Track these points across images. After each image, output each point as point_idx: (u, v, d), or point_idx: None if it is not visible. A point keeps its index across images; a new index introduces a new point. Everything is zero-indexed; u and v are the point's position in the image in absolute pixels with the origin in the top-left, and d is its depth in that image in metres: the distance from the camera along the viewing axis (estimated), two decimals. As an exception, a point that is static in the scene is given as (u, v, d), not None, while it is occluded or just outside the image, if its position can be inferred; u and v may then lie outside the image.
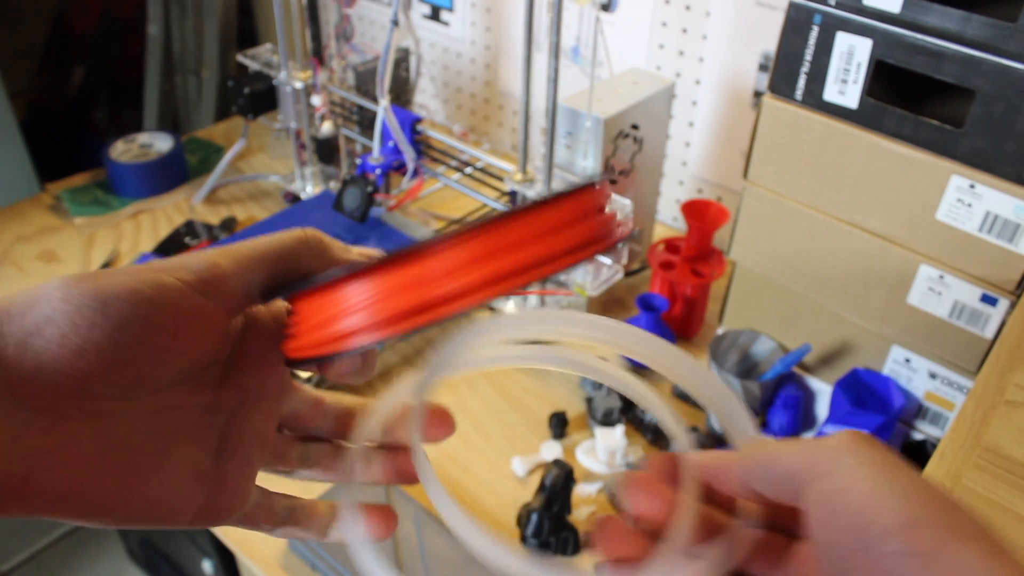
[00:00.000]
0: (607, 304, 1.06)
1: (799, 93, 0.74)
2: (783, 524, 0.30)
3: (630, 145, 0.96)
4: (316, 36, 1.14)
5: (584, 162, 0.94)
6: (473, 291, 0.25)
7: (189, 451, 0.28)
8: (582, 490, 0.83)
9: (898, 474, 0.24)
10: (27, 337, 0.24)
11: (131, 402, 0.26)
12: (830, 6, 0.69)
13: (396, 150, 1.05)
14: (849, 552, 0.23)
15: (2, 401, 0.23)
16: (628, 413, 0.90)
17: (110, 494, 0.26)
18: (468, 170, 1.02)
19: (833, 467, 0.25)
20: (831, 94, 0.72)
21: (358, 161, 1.08)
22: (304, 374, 0.31)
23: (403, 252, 0.25)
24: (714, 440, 0.85)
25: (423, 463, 0.28)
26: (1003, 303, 0.69)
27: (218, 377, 0.30)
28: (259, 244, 0.29)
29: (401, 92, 1.24)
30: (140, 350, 0.25)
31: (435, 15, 1.34)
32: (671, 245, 1.01)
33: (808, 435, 0.89)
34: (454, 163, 1.03)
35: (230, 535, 0.80)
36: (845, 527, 0.23)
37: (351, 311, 0.26)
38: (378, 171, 1.05)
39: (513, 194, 0.94)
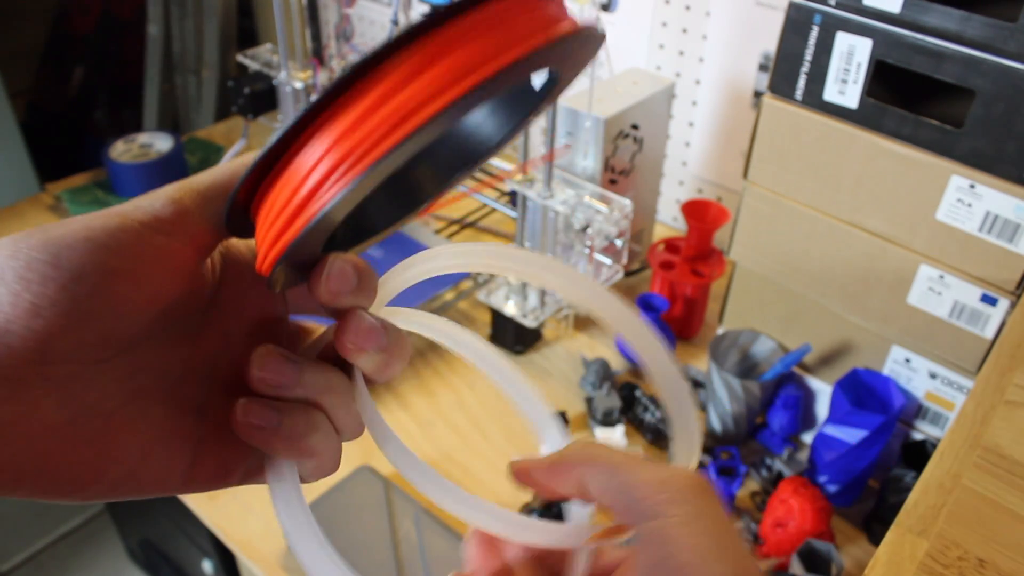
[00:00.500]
0: (607, 304, 1.06)
1: (799, 93, 0.74)
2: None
3: (630, 145, 0.96)
4: (316, 36, 1.14)
5: (584, 162, 0.94)
6: (441, 92, 0.21)
7: (169, 412, 0.26)
8: (582, 490, 0.83)
9: (725, 536, 0.25)
10: None
11: (100, 364, 0.24)
12: (830, 6, 0.69)
13: (396, 150, 1.05)
14: None
15: None
16: (628, 413, 0.90)
17: (83, 467, 0.23)
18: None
19: (668, 511, 0.26)
20: (831, 94, 0.72)
21: (358, 161, 1.07)
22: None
23: (346, 80, 0.21)
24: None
25: (362, 390, 0.28)
26: (1003, 303, 0.69)
27: (196, 326, 0.27)
28: (220, 172, 0.26)
29: (401, 92, 1.24)
30: (101, 301, 0.23)
31: (435, 15, 1.34)
32: (671, 245, 1.01)
33: (808, 435, 0.89)
34: (454, 163, 1.03)
35: (230, 535, 0.80)
36: (663, 569, 0.25)
37: (310, 170, 0.22)
38: (378, 171, 1.05)
39: (513, 194, 0.94)
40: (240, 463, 0.28)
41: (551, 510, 0.75)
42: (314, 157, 0.22)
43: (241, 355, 0.26)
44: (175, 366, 0.26)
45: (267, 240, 0.24)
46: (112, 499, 0.25)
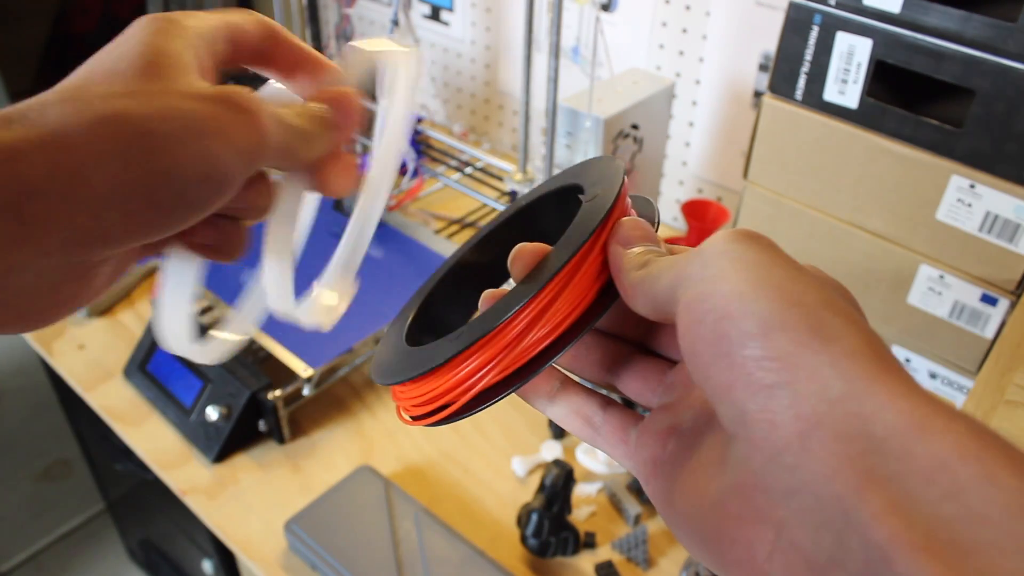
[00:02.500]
0: (607, 304, 1.06)
1: (799, 93, 0.74)
2: (663, 348, 0.30)
3: (630, 145, 0.96)
4: (316, 36, 1.14)
5: (584, 162, 0.94)
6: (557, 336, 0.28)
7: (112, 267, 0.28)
8: (582, 490, 0.83)
9: (767, 274, 0.22)
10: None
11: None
12: (830, 6, 0.69)
13: (396, 150, 1.05)
14: (711, 359, 0.22)
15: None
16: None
17: (44, 312, 0.25)
18: (468, 170, 1.02)
19: (703, 272, 0.23)
20: (831, 94, 0.72)
21: (358, 161, 1.08)
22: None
23: (486, 326, 0.27)
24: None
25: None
26: (1003, 303, 0.69)
27: None
28: (216, 20, 0.29)
29: (401, 92, 1.24)
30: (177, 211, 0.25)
31: (435, 15, 1.34)
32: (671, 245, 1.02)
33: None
34: (454, 163, 1.03)
35: (230, 535, 0.80)
36: (707, 335, 0.22)
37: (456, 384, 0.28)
38: (378, 171, 1.05)
39: (513, 194, 0.94)
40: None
41: (551, 510, 0.75)
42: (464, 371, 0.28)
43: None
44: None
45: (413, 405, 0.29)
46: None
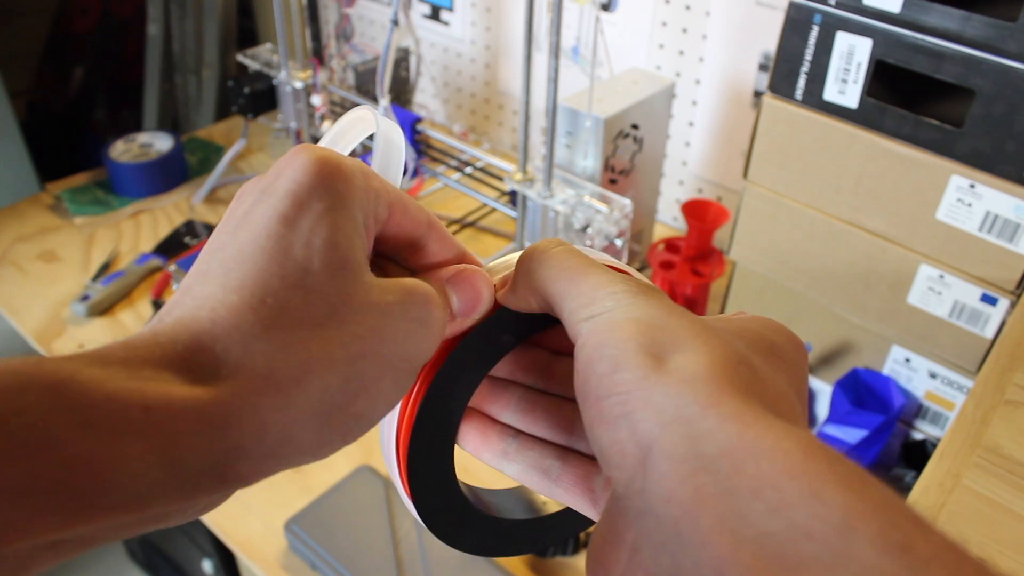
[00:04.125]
0: (607, 304, 1.06)
1: (799, 93, 0.74)
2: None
3: (630, 145, 0.96)
4: (316, 36, 1.14)
5: (584, 162, 0.94)
6: None
7: None
8: (582, 490, 0.83)
9: (631, 322, 0.23)
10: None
11: None
12: (830, 6, 0.69)
13: (396, 150, 1.05)
14: (580, 403, 0.23)
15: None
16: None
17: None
18: (468, 170, 1.02)
19: (589, 320, 0.24)
20: (831, 94, 0.72)
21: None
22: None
23: None
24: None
25: None
26: (1003, 303, 0.69)
27: None
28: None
29: (401, 92, 1.24)
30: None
31: (435, 15, 1.34)
32: (671, 245, 1.02)
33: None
34: (454, 163, 1.03)
35: (230, 535, 0.80)
36: (579, 383, 0.23)
37: None
38: (378, 171, 1.05)
39: (513, 194, 0.94)
40: None
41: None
42: None
43: None
44: None
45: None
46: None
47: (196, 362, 0.20)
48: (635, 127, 0.95)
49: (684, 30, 1.05)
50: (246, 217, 0.24)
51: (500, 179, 0.98)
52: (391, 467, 0.30)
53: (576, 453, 0.30)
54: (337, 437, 0.23)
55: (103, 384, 0.18)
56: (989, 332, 0.71)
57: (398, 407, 0.28)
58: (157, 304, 1.05)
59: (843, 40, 0.69)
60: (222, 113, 1.56)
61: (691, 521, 0.19)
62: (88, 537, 0.19)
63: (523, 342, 0.30)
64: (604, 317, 0.24)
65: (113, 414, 0.18)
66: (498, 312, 0.28)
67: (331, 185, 0.24)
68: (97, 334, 1.02)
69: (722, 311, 0.93)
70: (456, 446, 0.30)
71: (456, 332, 0.27)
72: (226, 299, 0.21)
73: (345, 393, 0.22)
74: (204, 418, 0.20)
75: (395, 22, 0.94)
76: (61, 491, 0.18)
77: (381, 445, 0.30)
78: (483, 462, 0.31)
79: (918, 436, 0.82)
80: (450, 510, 0.30)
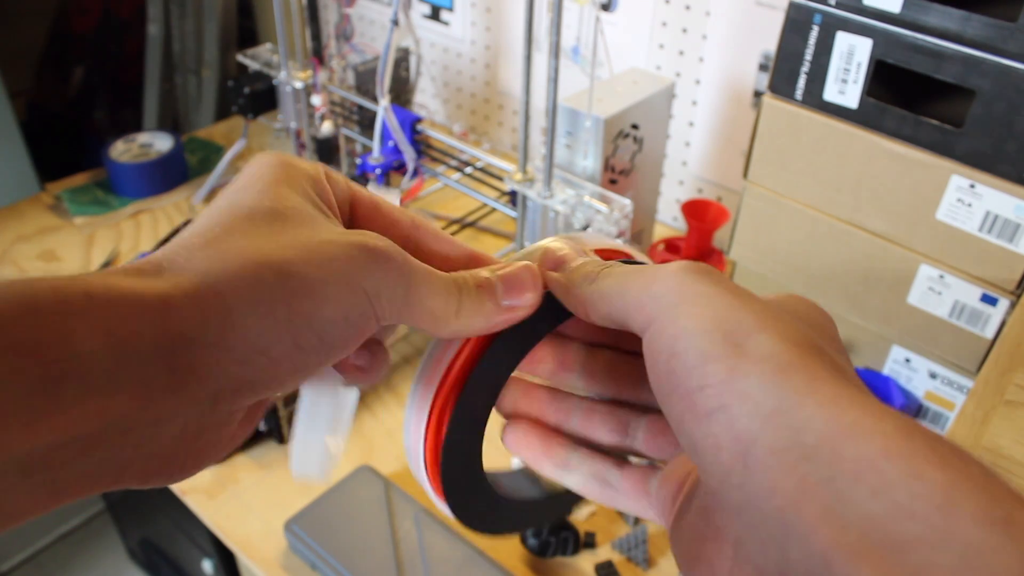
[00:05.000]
0: (607, 304, 1.06)
1: (799, 93, 0.74)
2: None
3: (630, 145, 0.96)
4: (316, 36, 1.14)
5: (584, 162, 0.94)
6: None
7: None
8: (582, 490, 0.83)
9: (710, 308, 0.23)
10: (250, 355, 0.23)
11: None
12: (830, 6, 0.69)
13: (396, 150, 1.05)
14: (666, 396, 0.23)
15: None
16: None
17: (179, 467, 0.24)
18: (468, 170, 1.02)
19: (655, 309, 0.24)
20: (831, 94, 0.72)
21: (358, 161, 1.08)
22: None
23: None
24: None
25: None
26: (1003, 303, 0.69)
27: None
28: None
29: (401, 92, 1.24)
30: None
31: (435, 15, 1.34)
32: (671, 245, 1.01)
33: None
34: (454, 163, 1.04)
35: (230, 535, 0.80)
36: (661, 374, 0.23)
37: None
38: (378, 171, 1.05)
39: (513, 194, 0.94)
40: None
41: (560, 535, 0.75)
42: None
43: None
44: None
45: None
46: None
47: (139, 268, 0.22)
48: (635, 127, 0.95)
49: (684, 30, 1.05)
50: (207, 213, 0.26)
51: (500, 179, 0.98)
52: (417, 463, 0.30)
53: (629, 463, 0.31)
54: (291, 368, 0.23)
55: (47, 281, 0.20)
56: (989, 332, 0.71)
57: (428, 402, 0.28)
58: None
59: (843, 40, 0.69)
60: (222, 113, 1.56)
61: (796, 511, 0.19)
62: (55, 459, 0.20)
63: (551, 332, 0.29)
64: (677, 309, 0.24)
65: (57, 300, 0.19)
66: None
67: (281, 165, 0.27)
68: (97, 334, 1.02)
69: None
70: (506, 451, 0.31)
71: (497, 327, 0.27)
72: (177, 240, 0.24)
73: (284, 290, 0.23)
74: (145, 302, 0.21)
75: (395, 22, 0.94)
76: (14, 379, 0.18)
77: (406, 437, 0.30)
78: (541, 472, 0.32)
79: (918, 436, 0.82)
80: (478, 499, 0.31)
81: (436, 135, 1.03)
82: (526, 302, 0.27)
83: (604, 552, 0.78)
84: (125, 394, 0.20)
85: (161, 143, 1.27)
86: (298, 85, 1.11)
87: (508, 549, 0.78)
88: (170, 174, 1.27)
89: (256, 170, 0.27)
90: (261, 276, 0.23)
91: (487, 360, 0.28)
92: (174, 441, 0.22)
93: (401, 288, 0.25)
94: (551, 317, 0.28)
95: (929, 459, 0.19)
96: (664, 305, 0.24)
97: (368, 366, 0.29)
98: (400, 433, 0.90)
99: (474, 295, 0.26)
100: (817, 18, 0.70)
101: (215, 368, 0.22)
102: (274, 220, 0.25)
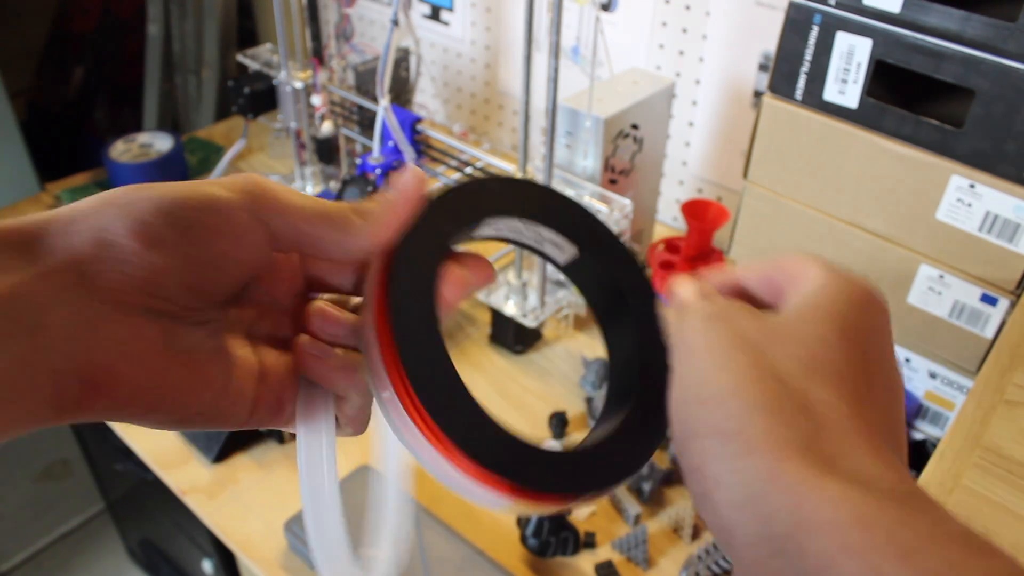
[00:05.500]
0: (607, 304, 1.06)
1: (799, 93, 0.74)
2: None
3: (630, 145, 0.96)
4: (316, 36, 1.14)
5: (584, 162, 0.94)
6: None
7: (239, 356, 0.29)
8: (582, 490, 0.83)
9: (716, 375, 0.24)
10: (99, 233, 0.24)
11: (193, 313, 0.27)
12: (830, 6, 0.69)
13: (396, 150, 1.05)
14: (677, 442, 0.25)
15: (78, 293, 0.24)
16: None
17: (183, 389, 0.26)
18: (468, 170, 1.02)
19: (676, 362, 0.26)
20: (831, 94, 0.72)
21: (358, 161, 1.08)
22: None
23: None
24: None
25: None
26: (1003, 303, 0.69)
27: (252, 292, 0.30)
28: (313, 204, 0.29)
29: (401, 92, 1.24)
30: (207, 255, 0.26)
31: (435, 15, 1.34)
32: (671, 245, 1.01)
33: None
34: (454, 163, 1.04)
35: (230, 535, 0.80)
36: (674, 424, 0.26)
37: None
38: (378, 171, 1.05)
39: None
40: (291, 401, 0.30)
41: (560, 535, 0.75)
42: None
43: (281, 314, 0.31)
44: (242, 322, 0.30)
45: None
46: (199, 426, 0.28)
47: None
48: (635, 127, 0.95)
49: (684, 30, 1.05)
50: None
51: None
52: (378, 373, 0.28)
53: None
54: (178, 259, 0.26)
55: None
56: (989, 332, 0.71)
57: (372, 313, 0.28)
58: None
59: (843, 40, 0.69)
60: (222, 113, 1.55)
61: None
62: None
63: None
64: (685, 363, 0.26)
65: None
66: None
67: None
68: (97, 334, 1.02)
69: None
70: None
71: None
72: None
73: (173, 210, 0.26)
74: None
75: (395, 22, 0.94)
76: None
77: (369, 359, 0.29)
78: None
79: (918, 436, 0.82)
80: (459, 405, 0.27)
81: (436, 135, 1.03)
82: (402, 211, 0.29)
83: (604, 552, 0.78)
84: None
85: (161, 143, 1.27)
86: (298, 85, 1.11)
87: (508, 549, 0.78)
88: (170, 174, 1.27)
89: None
90: (138, 195, 0.26)
91: (411, 239, 0.29)
92: (140, 370, 0.25)
93: (281, 215, 0.28)
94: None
95: (886, 553, 0.19)
96: (680, 364, 0.26)
97: (355, 415, 0.31)
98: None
99: (352, 212, 0.29)
100: (817, 18, 0.70)
101: (111, 276, 0.24)
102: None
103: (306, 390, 0.30)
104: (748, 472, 0.21)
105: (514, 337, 0.98)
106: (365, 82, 1.15)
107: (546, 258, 0.35)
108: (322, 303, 0.31)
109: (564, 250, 0.34)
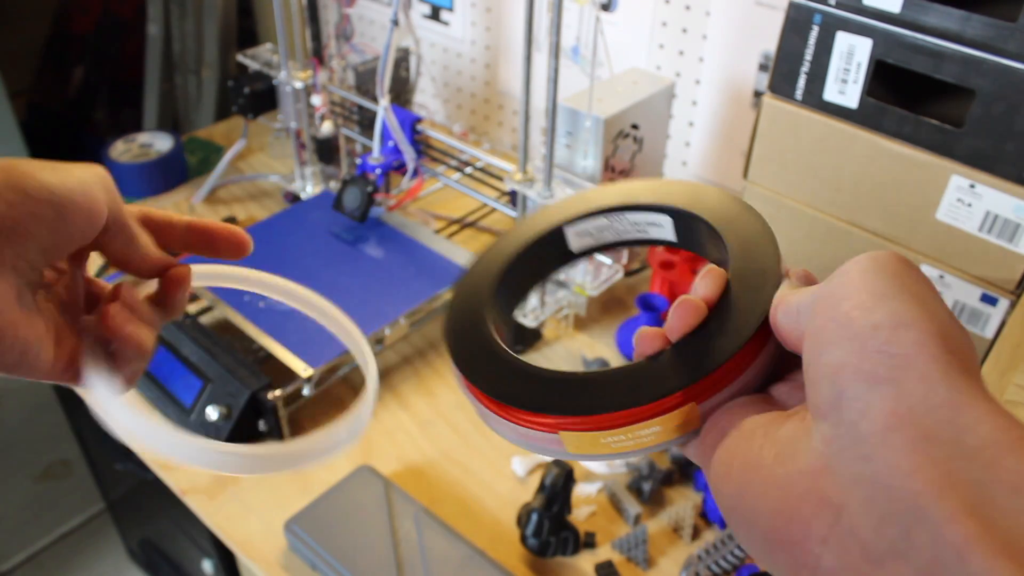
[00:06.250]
0: (607, 303, 1.06)
1: (799, 93, 0.74)
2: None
3: (630, 145, 0.96)
4: (316, 36, 1.14)
5: (584, 162, 0.94)
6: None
7: (44, 318, 0.33)
8: (582, 490, 0.83)
9: (903, 281, 0.23)
10: None
11: (34, 271, 0.31)
12: (830, 6, 0.69)
13: (396, 150, 1.05)
14: (834, 339, 0.23)
15: None
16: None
17: (24, 340, 0.31)
18: (468, 170, 1.02)
19: (840, 276, 0.25)
20: (831, 94, 0.72)
21: (358, 161, 1.08)
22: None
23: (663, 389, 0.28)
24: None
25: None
26: (1003, 303, 0.69)
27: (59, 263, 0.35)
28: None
29: (401, 92, 1.24)
30: (35, 224, 0.30)
31: (435, 15, 1.34)
32: (671, 245, 1.01)
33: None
34: (454, 163, 1.04)
35: (230, 535, 0.80)
36: (839, 317, 0.23)
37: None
38: (378, 171, 1.05)
39: (513, 194, 0.94)
40: (78, 362, 0.34)
41: (551, 509, 0.75)
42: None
43: (75, 283, 0.36)
44: (48, 286, 0.35)
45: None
46: (11, 374, 0.32)
47: None
48: (635, 127, 0.95)
49: (684, 30, 1.05)
50: None
51: (500, 179, 0.98)
52: None
53: None
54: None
55: None
56: (989, 332, 0.71)
57: None
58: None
59: (843, 40, 0.69)
60: (222, 113, 1.56)
61: (935, 499, 0.19)
62: None
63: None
64: (866, 271, 0.24)
65: None
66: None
67: None
68: (97, 334, 1.02)
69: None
70: None
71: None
72: None
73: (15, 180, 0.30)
74: None
75: (395, 22, 0.94)
76: None
77: None
78: None
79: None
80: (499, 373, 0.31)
81: (436, 135, 1.03)
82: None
83: (604, 552, 0.78)
84: None
85: (161, 143, 1.27)
86: (298, 85, 1.11)
87: (508, 549, 0.78)
88: (170, 174, 1.27)
89: None
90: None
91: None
92: None
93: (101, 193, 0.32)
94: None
95: None
96: (851, 271, 0.24)
97: (131, 376, 0.35)
98: (399, 434, 0.90)
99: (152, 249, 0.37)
100: (817, 18, 0.70)
101: None
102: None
103: (91, 356, 0.34)
104: (957, 385, 0.21)
105: (514, 337, 0.98)
106: (365, 82, 1.15)
107: (654, 242, 0.37)
108: (117, 307, 0.35)
109: (662, 224, 0.36)
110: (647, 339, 0.30)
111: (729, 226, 0.33)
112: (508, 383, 0.30)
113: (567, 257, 0.38)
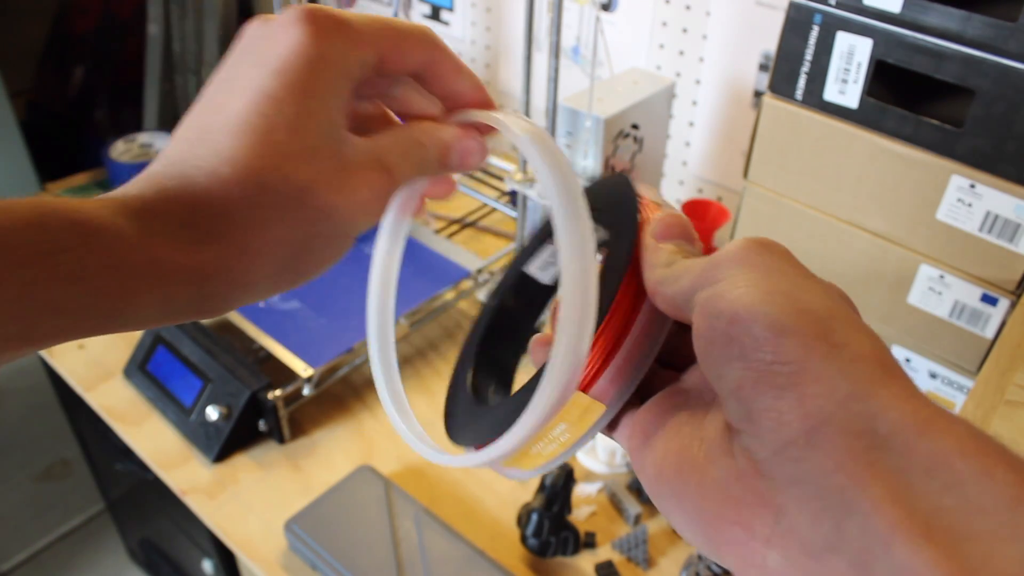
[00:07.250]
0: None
1: (799, 93, 0.74)
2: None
3: (630, 145, 0.96)
4: (316, 36, 1.13)
5: (584, 162, 0.94)
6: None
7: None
8: (582, 490, 0.83)
9: (777, 281, 0.23)
10: None
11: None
12: (830, 6, 0.69)
13: (396, 150, 1.04)
14: (723, 360, 0.23)
15: None
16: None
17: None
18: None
19: (717, 277, 0.24)
20: (831, 94, 0.72)
21: (358, 161, 1.07)
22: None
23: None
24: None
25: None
26: (1003, 303, 0.69)
27: None
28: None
29: (401, 92, 1.24)
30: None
31: (435, 15, 1.34)
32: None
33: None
34: (454, 163, 1.03)
35: (230, 535, 0.80)
36: (720, 337, 0.23)
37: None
38: (378, 171, 1.05)
39: (513, 194, 0.94)
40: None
41: (551, 509, 0.75)
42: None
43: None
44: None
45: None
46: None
47: (192, 223, 0.26)
48: (635, 127, 0.95)
49: (684, 30, 1.05)
50: (240, 83, 0.28)
51: (500, 179, 0.98)
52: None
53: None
54: (285, 286, 0.29)
55: (126, 236, 0.24)
56: (989, 332, 0.71)
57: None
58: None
59: (843, 40, 0.69)
60: (222, 113, 1.55)
61: (860, 490, 0.20)
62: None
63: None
64: (745, 276, 0.24)
65: (130, 265, 0.24)
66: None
67: (317, 62, 0.27)
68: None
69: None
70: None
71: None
72: (219, 170, 0.26)
73: (297, 260, 0.28)
74: (192, 275, 0.25)
75: (395, 22, 0.94)
76: (90, 312, 0.24)
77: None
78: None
79: (918, 436, 0.82)
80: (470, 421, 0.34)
81: (436, 135, 1.03)
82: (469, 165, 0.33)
83: (604, 552, 0.78)
84: (159, 324, 0.27)
85: (161, 143, 1.27)
86: (298, 85, 1.11)
87: (508, 549, 0.78)
88: (170, 174, 1.26)
89: (288, 67, 0.27)
90: (285, 255, 0.27)
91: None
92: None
93: (383, 193, 0.29)
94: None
95: (999, 460, 0.19)
96: (727, 273, 0.24)
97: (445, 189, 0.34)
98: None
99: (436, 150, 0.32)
100: (817, 18, 0.70)
101: (228, 306, 0.27)
102: (304, 176, 0.27)
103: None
104: (859, 375, 0.21)
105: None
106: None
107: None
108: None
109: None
110: (539, 348, 0.32)
111: (602, 203, 0.32)
112: (466, 428, 0.33)
113: (549, 291, 0.37)
